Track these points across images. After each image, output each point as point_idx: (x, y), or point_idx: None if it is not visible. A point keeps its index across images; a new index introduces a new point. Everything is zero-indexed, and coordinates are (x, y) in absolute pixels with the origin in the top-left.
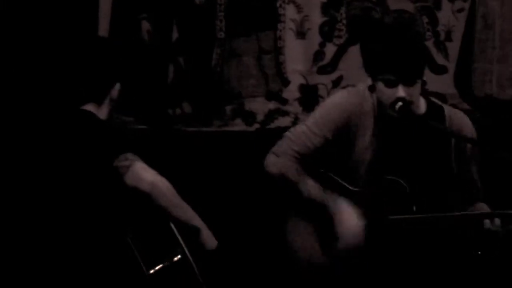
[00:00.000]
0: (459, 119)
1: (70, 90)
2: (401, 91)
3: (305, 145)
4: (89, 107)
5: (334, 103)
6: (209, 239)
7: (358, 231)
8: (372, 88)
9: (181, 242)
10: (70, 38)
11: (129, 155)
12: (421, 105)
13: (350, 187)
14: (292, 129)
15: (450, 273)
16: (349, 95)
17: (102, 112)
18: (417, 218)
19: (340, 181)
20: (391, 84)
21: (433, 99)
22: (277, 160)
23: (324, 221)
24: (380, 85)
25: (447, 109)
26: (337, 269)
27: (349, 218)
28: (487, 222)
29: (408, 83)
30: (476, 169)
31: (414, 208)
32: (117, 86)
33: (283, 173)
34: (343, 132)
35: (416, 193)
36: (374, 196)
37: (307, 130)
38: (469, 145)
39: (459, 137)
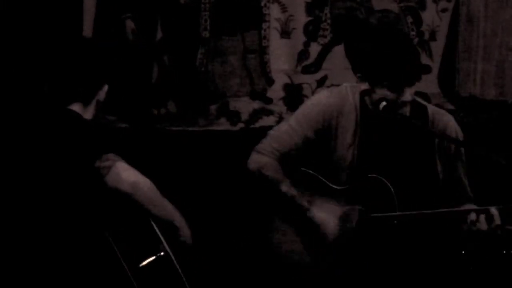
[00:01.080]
0: (443, 119)
1: (57, 90)
2: (407, 94)
3: (287, 143)
4: (75, 107)
5: (316, 102)
6: (187, 237)
7: (332, 230)
8: (366, 93)
9: (162, 239)
10: (59, 38)
11: (111, 156)
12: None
13: (333, 185)
14: (275, 128)
15: (434, 272)
16: (331, 95)
17: (88, 113)
18: (399, 215)
19: (322, 179)
20: (397, 88)
21: (417, 98)
22: (258, 158)
23: (305, 221)
24: (383, 91)
25: (431, 108)
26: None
27: (325, 220)
28: (471, 219)
29: (411, 84)
30: (463, 170)
31: (397, 207)
32: (105, 88)
33: (261, 170)
34: (324, 131)
35: (400, 192)
36: (357, 194)
37: (289, 128)
38: (453, 145)
39: (442, 136)
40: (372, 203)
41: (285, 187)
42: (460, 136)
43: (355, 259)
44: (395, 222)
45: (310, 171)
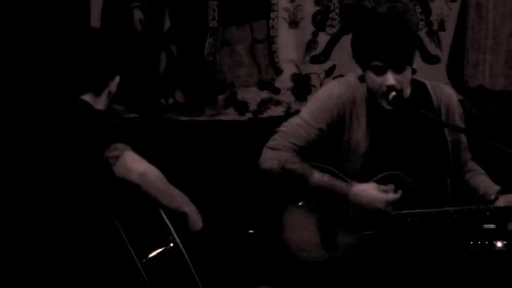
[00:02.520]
0: (444, 92)
1: (69, 80)
2: (390, 78)
3: (302, 137)
4: (87, 97)
5: (328, 94)
6: (197, 222)
7: (380, 197)
8: (362, 78)
9: (172, 229)
10: (67, 28)
11: (120, 145)
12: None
13: (351, 181)
14: (285, 123)
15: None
16: (341, 86)
17: (99, 103)
18: (420, 212)
19: (340, 174)
20: (380, 71)
21: (414, 77)
22: (275, 154)
23: (328, 212)
24: (370, 74)
25: (429, 84)
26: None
27: (370, 190)
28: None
29: (397, 70)
30: (462, 127)
31: (418, 201)
32: (117, 79)
33: (283, 165)
34: (338, 124)
35: (416, 182)
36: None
37: (302, 122)
38: (458, 113)
39: (448, 125)
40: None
41: (318, 176)
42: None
43: (374, 256)
44: (418, 219)
45: (329, 167)
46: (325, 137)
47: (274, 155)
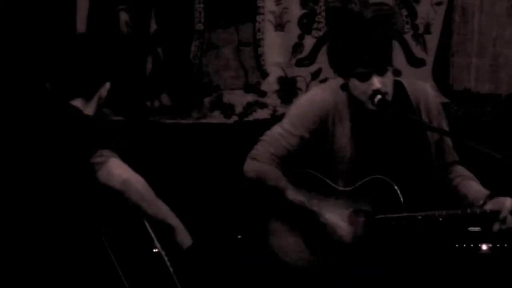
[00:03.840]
0: (419, 87)
1: (58, 86)
2: (376, 83)
3: (283, 147)
4: (77, 102)
5: (309, 101)
6: (184, 238)
7: (348, 232)
8: (344, 87)
9: (155, 240)
10: (54, 32)
11: (106, 152)
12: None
13: (338, 187)
14: (268, 132)
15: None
16: (323, 92)
17: (89, 108)
18: (405, 216)
19: (327, 180)
20: (365, 77)
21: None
22: (256, 166)
23: (309, 224)
24: (354, 81)
25: (405, 83)
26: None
27: (340, 224)
28: (502, 217)
29: (380, 72)
30: (447, 130)
31: (403, 204)
32: (107, 85)
33: (261, 178)
34: (320, 130)
35: (401, 186)
36: (362, 195)
37: (283, 131)
38: (435, 106)
39: (433, 129)
40: (378, 204)
41: (292, 194)
42: (438, 98)
43: (361, 260)
44: (403, 223)
45: (313, 172)
46: (308, 143)
47: (254, 166)
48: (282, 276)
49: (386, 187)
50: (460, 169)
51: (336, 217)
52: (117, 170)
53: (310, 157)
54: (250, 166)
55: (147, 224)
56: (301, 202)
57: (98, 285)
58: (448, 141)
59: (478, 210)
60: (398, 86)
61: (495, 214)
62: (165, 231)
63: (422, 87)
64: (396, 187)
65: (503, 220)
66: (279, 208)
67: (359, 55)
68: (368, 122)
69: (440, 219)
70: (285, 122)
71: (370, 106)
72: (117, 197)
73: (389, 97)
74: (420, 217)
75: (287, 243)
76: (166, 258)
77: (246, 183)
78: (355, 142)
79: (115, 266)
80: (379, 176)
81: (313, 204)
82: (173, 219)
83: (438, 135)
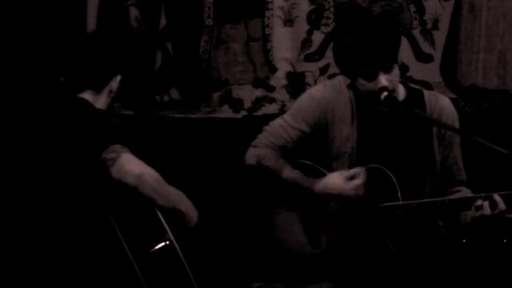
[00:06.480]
0: (439, 102)
1: (70, 77)
2: (383, 80)
3: (283, 138)
4: (87, 95)
5: (310, 97)
6: (193, 218)
7: (347, 185)
8: (351, 86)
9: (167, 229)
10: (63, 26)
11: (117, 147)
12: (401, 92)
13: (328, 174)
14: (270, 123)
15: (436, 262)
16: (325, 89)
17: (100, 102)
18: (408, 204)
19: (320, 168)
20: (372, 77)
21: (412, 84)
22: (255, 151)
23: (309, 209)
24: (361, 81)
25: (427, 93)
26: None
27: (335, 180)
28: (476, 205)
29: (387, 70)
30: (459, 153)
31: (399, 195)
32: (118, 78)
33: (261, 161)
34: (320, 125)
35: (400, 179)
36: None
37: (284, 123)
38: (450, 123)
39: (441, 125)
40: (374, 193)
41: (287, 172)
42: (456, 117)
43: (359, 247)
44: (399, 211)
45: (307, 162)
46: (308, 137)
47: (254, 152)
48: (286, 267)
49: (383, 177)
50: (465, 191)
51: (329, 179)
52: (129, 166)
53: (311, 149)
54: (250, 153)
55: (159, 214)
56: (296, 179)
57: (110, 275)
58: (459, 161)
59: (482, 195)
60: (417, 94)
61: (488, 197)
62: (176, 218)
63: (443, 103)
64: (392, 176)
65: (494, 204)
66: (278, 192)
67: (365, 54)
68: (374, 120)
69: (438, 207)
70: (287, 115)
71: (378, 105)
72: (129, 190)
73: (396, 94)
74: (417, 205)
75: (288, 235)
76: (178, 247)
77: (247, 172)
78: (358, 138)
79: (128, 257)
80: (376, 166)
81: (308, 182)
82: (183, 204)
83: (450, 149)
